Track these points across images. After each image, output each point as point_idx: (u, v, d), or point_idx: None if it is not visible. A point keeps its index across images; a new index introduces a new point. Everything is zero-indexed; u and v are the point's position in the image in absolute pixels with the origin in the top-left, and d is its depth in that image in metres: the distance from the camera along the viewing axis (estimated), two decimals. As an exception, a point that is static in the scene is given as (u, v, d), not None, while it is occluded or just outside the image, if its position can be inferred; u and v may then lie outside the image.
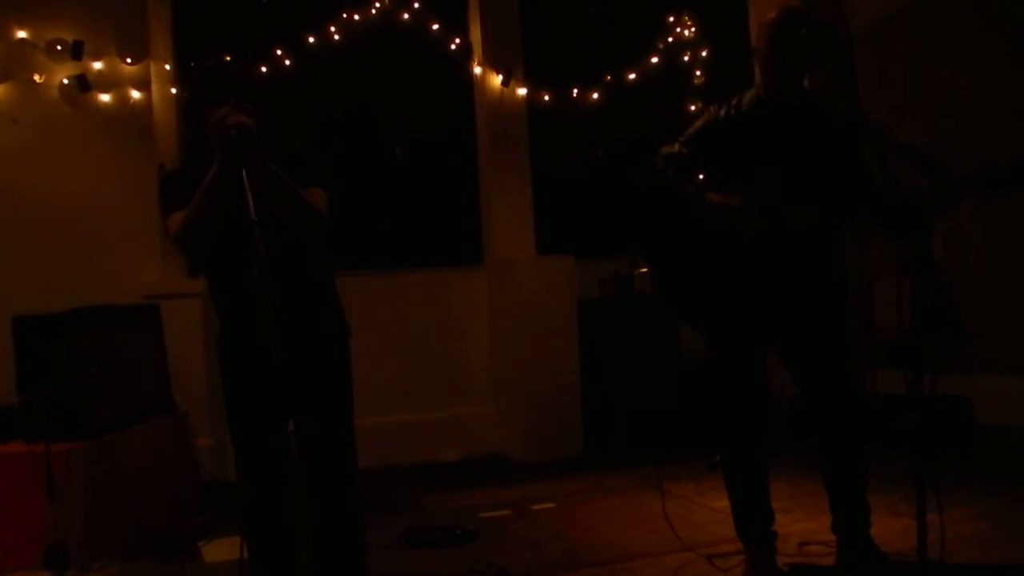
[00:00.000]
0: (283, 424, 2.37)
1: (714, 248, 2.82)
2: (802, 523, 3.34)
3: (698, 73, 5.69)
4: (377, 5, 5.14)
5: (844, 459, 2.85)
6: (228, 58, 2.41)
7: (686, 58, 5.69)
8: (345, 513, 2.52)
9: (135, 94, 4.72)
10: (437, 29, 5.26)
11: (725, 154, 2.80)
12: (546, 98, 5.45)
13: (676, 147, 2.91)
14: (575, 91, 5.50)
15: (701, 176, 2.79)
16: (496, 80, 5.38)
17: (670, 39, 5.69)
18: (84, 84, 4.61)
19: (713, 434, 3.03)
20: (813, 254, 2.77)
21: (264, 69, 4.86)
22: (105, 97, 4.68)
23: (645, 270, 2.99)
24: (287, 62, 4.94)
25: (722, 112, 2.88)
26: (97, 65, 4.67)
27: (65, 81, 4.61)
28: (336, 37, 5.06)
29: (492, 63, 5.39)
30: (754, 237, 2.72)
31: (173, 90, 4.84)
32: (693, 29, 5.68)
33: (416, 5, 5.21)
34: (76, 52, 4.60)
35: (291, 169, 2.29)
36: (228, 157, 2.13)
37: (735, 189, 2.73)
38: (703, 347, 2.97)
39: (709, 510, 3.68)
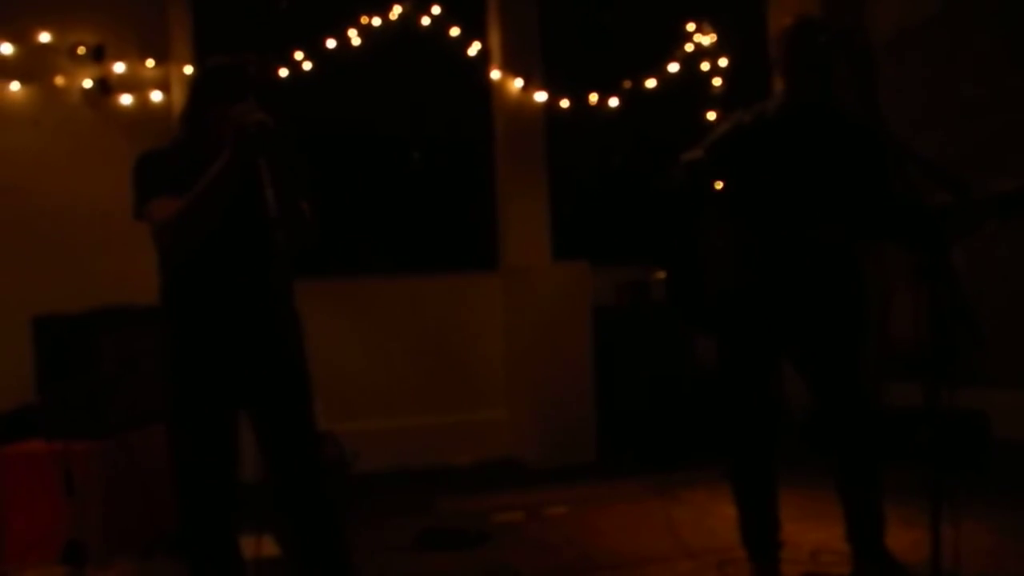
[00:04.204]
0: (233, 424, 2.39)
1: (733, 255, 2.82)
2: (815, 533, 3.33)
3: (717, 81, 5.69)
4: (396, 10, 5.17)
5: (858, 470, 2.85)
6: (244, 59, 2.41)
7: (705, 65, 5.68)
8: (318, 503, 2.45)
9: (156, 97, 4.77)
10: (456, 34, 5.28)
11: (748, 160, 2.80)
12: (564, 104, 5.46)
13: (698, 153, 2.91)
14: (594, 97, 5.51)
15: (718, 184, 2.80)
16: (514, 85, 5.40)
17: (689, 46, 5.70)
18: (105, 87, 4.67)
19: (723, 442, 3.02)
20: (833, 264, 2.77)
21: (283, 72, 4.90)
22: (126, 100, 4.73)
23: (662, 276, 2.98)
24: (306, 65, 4.98)
25: (747, 118, 2.88)
26: (118, 68, 4.71)
27: (86, 84, 4.66)
28: (355, 41, 5.09)
29: (511, 68, 5.40)
30: (774, 247, 2.72)
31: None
32: (713, 36, 5.68)
33: (435, 10, 5.23)
34: (97, 55, 4.65)
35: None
36: (242, 152, 2.13)
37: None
38: (716, 354, 2.97)
39: (721, 517, 3.67)
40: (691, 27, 5.70)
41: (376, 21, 5.13)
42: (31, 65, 4.61)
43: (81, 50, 4.65)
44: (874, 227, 2.77)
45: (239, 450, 2.43)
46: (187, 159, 2.29)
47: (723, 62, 5.67)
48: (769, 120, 2.83)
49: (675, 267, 2.97)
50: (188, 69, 4.87)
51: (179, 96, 4.84)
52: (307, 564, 2.44)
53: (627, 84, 5.54)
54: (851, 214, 2.71)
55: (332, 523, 2.47)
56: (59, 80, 4.64)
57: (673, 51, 5.67)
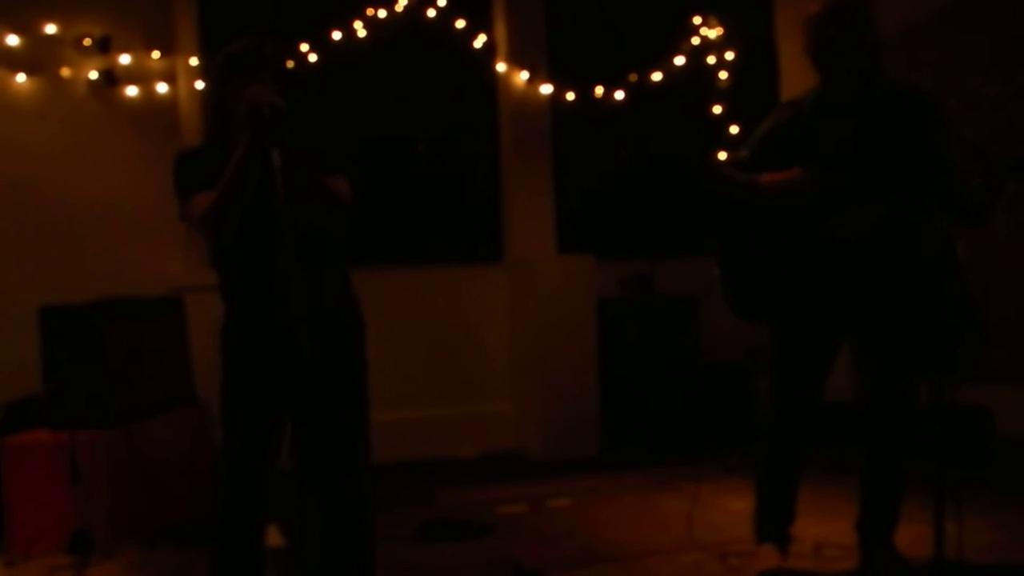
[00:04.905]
0: (280, 424, 2.36)
1: (799, 240, 2.78)
2: (818, 527, 3.34)
3: (723, 74, 5.67)
4: (402, 2, 5.16)
5: (889, 462, 2.85)
6: (261, 39, 2.39)
7: (712, 59, 5.67)
8: (357, 515, 2.46)
9: (161, 88, 4.77)
10: (462, 26, 5.27)
11: (793, 155, 2.78)
12: (570, 97, 5.45)
13: (742, 154, 2.92)
14: (599, 90, 5.50)
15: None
16: (520, 78, 5.39)
17: (696, 40, 5.68)
18: (111, 79, 4.67)
19: (762, 426, 2.97)
20: (905, 246, 2.73)
21: (289, 63, 4.89)
22: (132, 91, 4.72)
23: (717, 273, 2.96)
24: (312, 57, 4.98)
25: (786, 114, 2.87)
26: (124, 59, 4.71)
27: (92, 75, 4.66)
28: (361, 33, 5.09)
29: (516, 61, 5.39)
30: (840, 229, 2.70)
31: (199, 84, 4.88)
32: (719, 30, 5.66)
33: (441, 2, 5.22)
34: (103, 46, 4.65)
35: (315, 159, 2.28)
36: (257, 135, 2.09)
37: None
38: (772, 342, 2.91)
39: (725, 511, 3.68)
40: (697, 20, 5.68)
41: (382, 13, 5.12)
42: (37, 57, 4.61)
43: (87, 42, 4.64)
44: (932, 195, 2.69)
45: (280, 450, 2.41)
46: (217, 150, 2.28)
47: (729, 55, 5.66)
48: (806, 113, 2.82)
49: (730, 262, 2.95)
50: (194, 61, 4.88)
51: (185, 87, 4.85)
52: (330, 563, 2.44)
53: (633, 77, 5.53)
54: (912, 188, 2.66)
55: (366, 536, 2.48)
56: (65, 72, 4.64)
57: (679, 44, 5.65)
